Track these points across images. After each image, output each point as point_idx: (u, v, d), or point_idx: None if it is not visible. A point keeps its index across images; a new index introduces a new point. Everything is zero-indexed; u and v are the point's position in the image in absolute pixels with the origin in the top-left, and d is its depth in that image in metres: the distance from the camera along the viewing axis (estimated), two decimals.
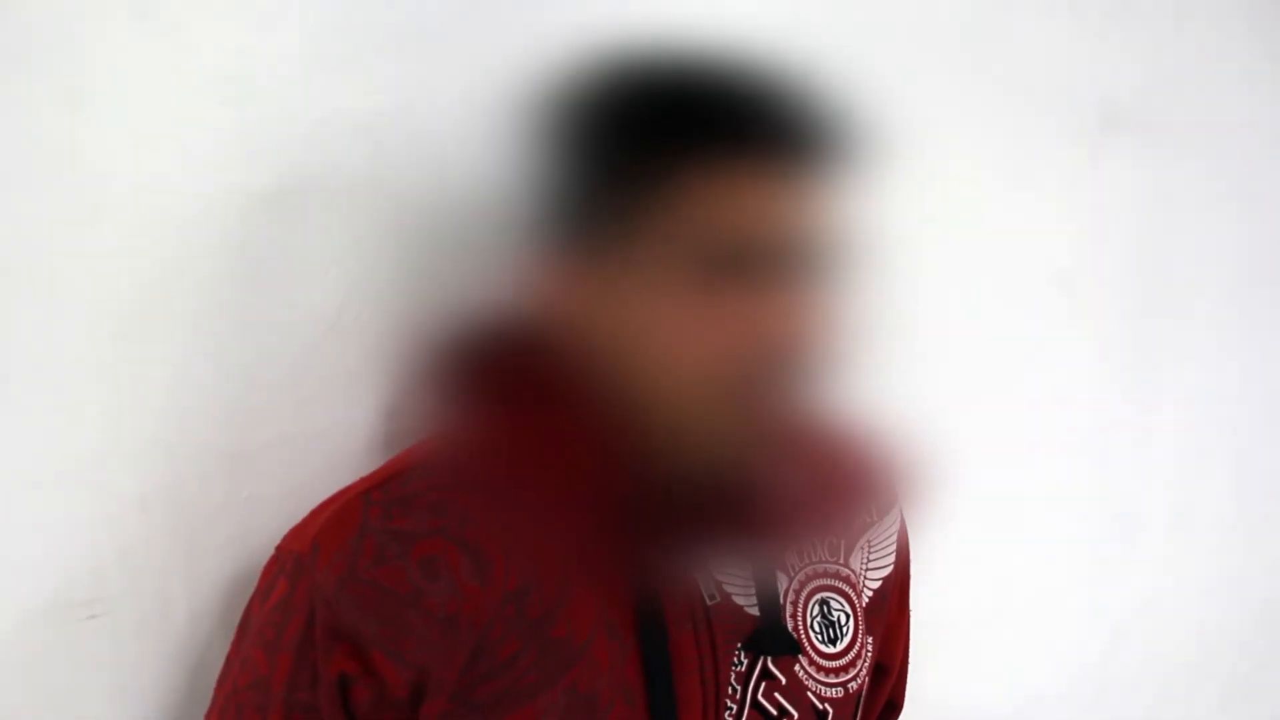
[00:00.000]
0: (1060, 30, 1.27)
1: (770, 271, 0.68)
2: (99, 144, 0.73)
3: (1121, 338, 1.40)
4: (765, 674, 0.76)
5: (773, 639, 0.76)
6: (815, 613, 0.80)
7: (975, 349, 1.22)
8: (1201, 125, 1.43)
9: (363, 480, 0.74)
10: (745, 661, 0.75)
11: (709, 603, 0.75)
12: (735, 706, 0.74)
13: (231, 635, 0.75)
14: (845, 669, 0.80)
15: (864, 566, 0.84)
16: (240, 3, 0.77)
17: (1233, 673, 1.62)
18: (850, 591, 0.82)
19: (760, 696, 0.75)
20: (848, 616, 0.81)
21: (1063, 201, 1.30)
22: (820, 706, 0.78)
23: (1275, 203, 1.55)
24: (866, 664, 0.82)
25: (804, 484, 0.81)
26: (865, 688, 0.83)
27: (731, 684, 0.74)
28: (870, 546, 0.85)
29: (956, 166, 1.14)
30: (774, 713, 0.76)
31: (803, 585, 0.80)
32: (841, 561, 0.83)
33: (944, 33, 1.15)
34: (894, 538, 0.87)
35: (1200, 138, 1.43)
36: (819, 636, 0.79)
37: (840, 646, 0.80)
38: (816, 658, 0.79)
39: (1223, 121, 1.46)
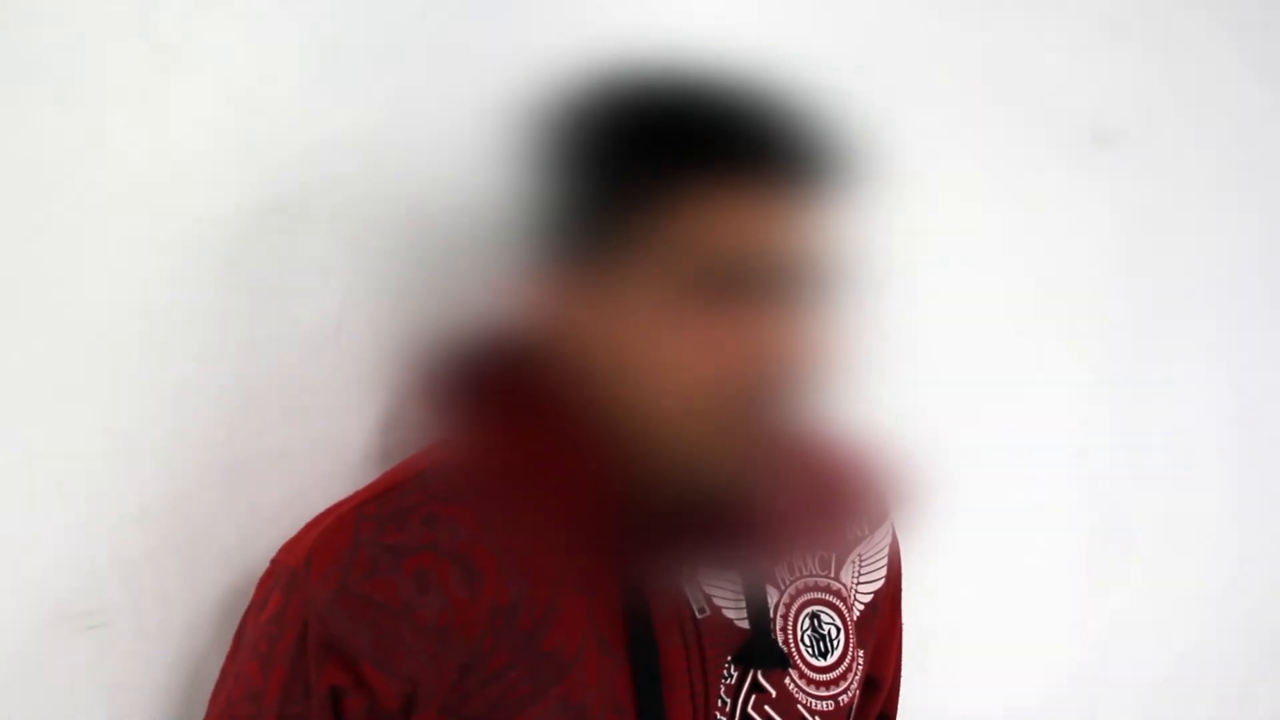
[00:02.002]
0: (1051, 49, 1.28)
1: (765, 290, 0.68)
2: (99, 157, 0.73)
3: (1111, 352, 1.40)
4: (755, 687, 0.76)
5: (762, 652, 0.76)
6: (805, 626, 0.80)
7: (965, 364, 1.22)
8: (1191, 141, 1.44)
9: (357, 494, 0.75)
10: (735, 674, 0.76)
11: (699, 616, 0.75)
12: (725, 719, 0.75)
13: (229, 646, 0.76)
14: (836, 682, 0.81)
15: (855, 580, 0.85)
16: (239, 18, 0.78)
17: (1222, 683, 1.62)
18: (841, 605, 0.83)
19: (750, 709, 0.76)
20: (838, 630, 0.82)
21: (1053, 218, 1.31)
22: (810, 719, 0.79)
23: (1264, 217, 1.55)
24: (857, 677, 0.83)
25: (795, 498, 0.82)
26: (856, 701, 0.84)
27: (721, 697, 0.75)
28: (861, 560, 0.86)
29: (948, 184, 1.15)
30: None
31: (793, 599, 0.80)
32: (832, 575, 0.83)
33: (936, 52, 1.16)
34: (885, 552, 0.88)
35: (1190, 154, 1.44)
36: (809, 650, 0.80)
37: (831, 660, 0.81)
38: (807, 671, 0.79)
39: (1212, 137, 1.46)
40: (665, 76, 0.69)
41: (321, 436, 0.84)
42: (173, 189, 0.76)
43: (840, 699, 0.81)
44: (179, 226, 0.77)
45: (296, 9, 0.80)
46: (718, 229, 0.67)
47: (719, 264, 0.67)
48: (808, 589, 0.81)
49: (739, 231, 0.67)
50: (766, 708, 0.76)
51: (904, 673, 0.96)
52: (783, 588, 0.80)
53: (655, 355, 0.69)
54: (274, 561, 0.74)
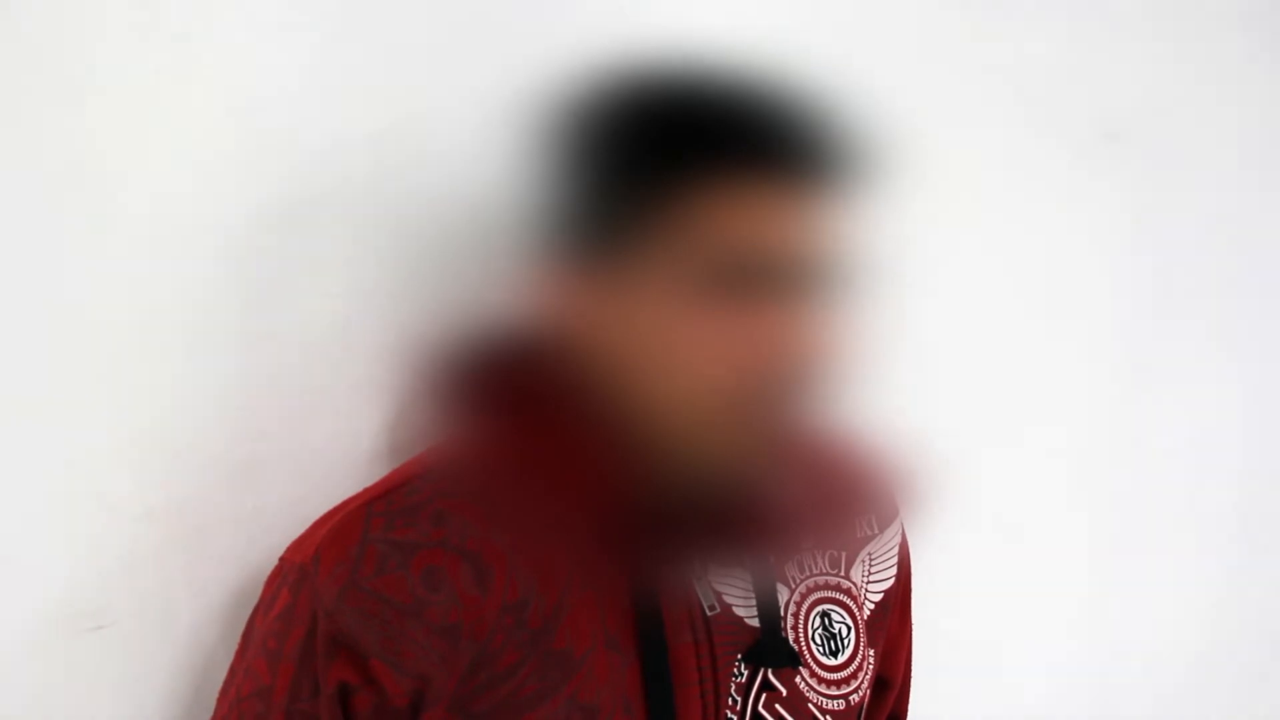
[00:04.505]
0: (1059, 44, 1.28)
1: (776, 287, 0.68)
2: (104, 156, 0.73)
3: (1120, 350, 1.40)
4: (766, 685, 0.76)
5: (773, 650, 0.76)
6: (816, 625, 0.80)
7: (974, 361, 1.22)
8: (1199, 137, 1.43)
9: (365, 491, 0.75)
10: (745, 673, 0.75)
11: (709, 614, 0.75)
12: (735, 718, 0.75)
13: (235, 645, 0.76)
14: (846, 681, 0.80)
15: (865, 579, 0.85)
16: (246, 15, 0.78)
17: (1228, 684, 1.61)
18: (851, 604, 0.83)
19: (761, 708, 0.76)
20: (849, 629, 0.82)
21: (1061, 214, 1.30)
22: (821, 718, 0.78)
23: (1272, 213, 1.55)
24: (868, 676, 0.83)
25: (805, 496, 0.82)
26: (866, 700, 0.84)
27: (732, 695, 0.75)
28: (871, 559, 0.85)
29: (956, 181, 1.15)
30: None
31: (804, 597, 0.80)
32: (842, 574, 0.83)
33: (945, 49, 1.16)
34: (895, 550, 0.88)
35: (1198, 149, 1.44)
36: (820, 648, 0.79)
37: (841, 659, 0.80)
38: (817, 669, 0.79)
39: (1220, 133, 1.46)
40: (681, 72, 0.69)
41: (329, 434, 0.84)
42: (180, 187, 0.76)
43: (851, 698, 0.80)
44: (185, 225, 0.77)
45: (305, 8, 0.80)
46: (731, 225, 0.67)
47: (733, 260, 0.67)
48: (818, 587, 0.81)
49: (753, 227, 0.67)
50: (777, 706, 0.76)
51: (914, 673, 0.95)
52: (793, 586, 0.80)
53: (667, 351, 0.69)
54: (282, 559, 0.74)
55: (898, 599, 0.88)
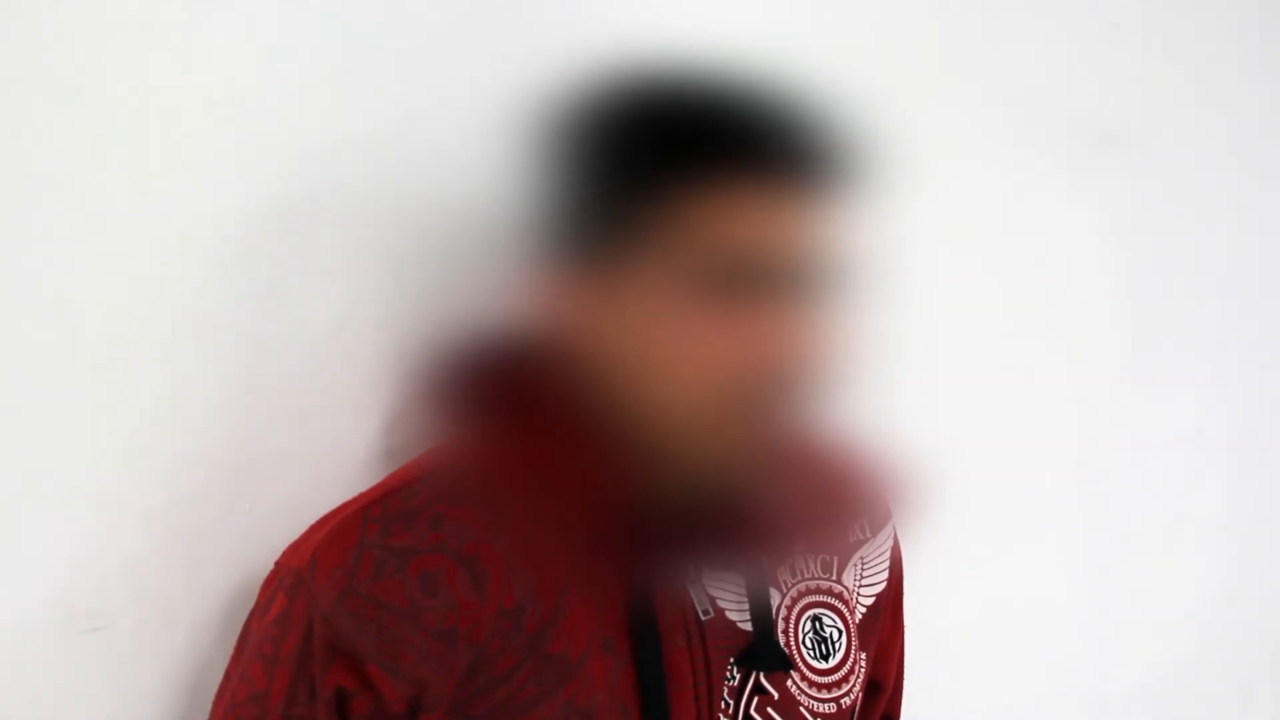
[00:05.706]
0: (1055, 49, 1.28)
1: (771, 289, 0.69)
2: (102, 157, 0.73)
3: (1115, 354, 1.40)
4: (758, 689, 0.76)
5: (765, 654, 0.77)
6: (808, 629, 0.80)
7: (968, 365, 1.23)
8: (1193, 141, 1.44)
9: (362, 495, 0.75)
10: (738, 676, 0.76)
11: (703, 617, 0.75)
12: None
13: (232, 648, 0.76)
14: (838, 685, 0.81)
15: (857, 583, 0.85)
16: (244, 18, 0.78)
17: (1226, 684, 1.62)
18: (843, 608, 0.83)
19: (753, 711, 0.76)
20: (840, 633, 0.82)
21: (1056, 218, 1.31)
22: None
23: (1266, 217, 1.56)
24: (860, 680, 0.83)
25: (798, 500, 0.82)
26: (859, 703, 0.84)
27: (724, 698, 0.75)
28: (863, 563, 0.86)
29: (952, 184, 1.15)
30: None
31: (795, 601, 0.80)
32: (834, 578, 0.83)
33: (942, 54, 1.16)
34: (887, 555, 0.88)
35: (1192, 153, 1.44)
36: (811, 652, 0.80)
37: (833, 662, 0.81)
38: (809, 673, 0.79)
39: (1214, 137, 1.46)
40: (676, 74, 0.70)
41: (326, 438, 0.84)
42: (178, 189, 0.76)
43: (842, 701, 0.81)
44: (183, 227, 0.77)
45: (302, 9, 0.80)
46: (727, 227, 0.67)
47: (728, 262, 0.68)
48: (810, 591, 0.82)
49: (747, 229, 0.68)
50: (769, 709, 0.77)
51: (907, 675, 0.96)
52: (785, 590, 0.80)
53: (661, 354, 0.69)
54: (278, 564, 0.74)
55: (889, 603, 0.88)
